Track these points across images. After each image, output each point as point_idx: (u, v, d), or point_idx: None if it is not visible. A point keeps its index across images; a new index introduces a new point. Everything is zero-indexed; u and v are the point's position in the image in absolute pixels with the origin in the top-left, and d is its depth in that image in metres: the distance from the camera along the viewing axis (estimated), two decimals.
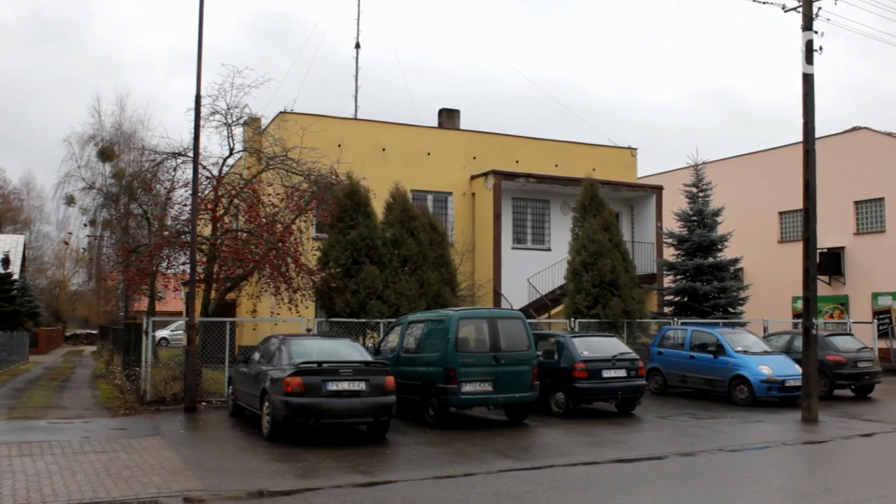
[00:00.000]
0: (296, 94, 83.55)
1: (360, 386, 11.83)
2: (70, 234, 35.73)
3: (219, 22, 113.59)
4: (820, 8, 15.68)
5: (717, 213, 25.01)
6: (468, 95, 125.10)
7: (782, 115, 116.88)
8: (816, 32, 15.58)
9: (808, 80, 15.51)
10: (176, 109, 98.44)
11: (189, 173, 17.27)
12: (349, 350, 13.18)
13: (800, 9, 15.78)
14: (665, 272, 26.04)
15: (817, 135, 15.94)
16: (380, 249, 18.96)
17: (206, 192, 18.15)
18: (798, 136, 16.37)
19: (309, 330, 17.15)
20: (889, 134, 31.61)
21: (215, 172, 18.66)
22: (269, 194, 18.64)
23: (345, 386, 11.73)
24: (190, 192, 16.60)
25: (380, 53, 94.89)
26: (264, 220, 17.88)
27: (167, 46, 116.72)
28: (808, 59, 15.50)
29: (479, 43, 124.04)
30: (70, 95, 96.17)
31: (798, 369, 16.81)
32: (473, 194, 26.80)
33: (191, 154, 17.04)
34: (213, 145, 70.96)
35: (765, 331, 22.79)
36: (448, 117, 29.28)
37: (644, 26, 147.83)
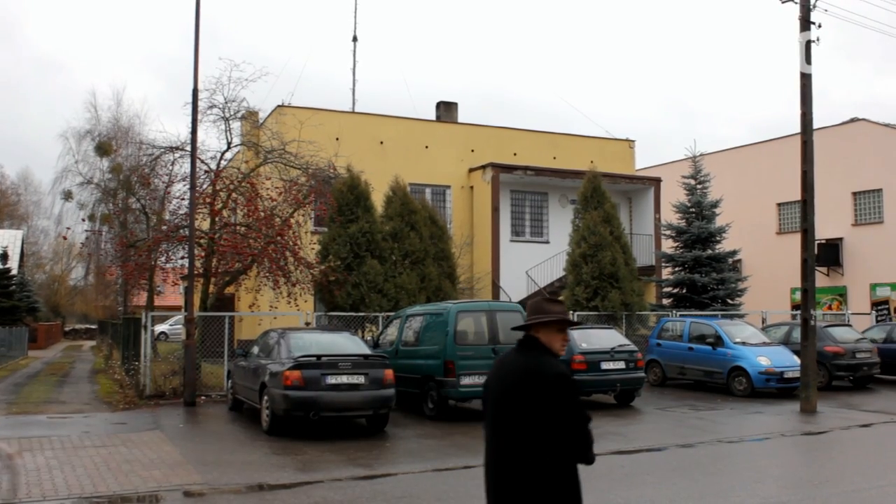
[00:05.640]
0: (293, 88, 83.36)
1: (360, 379, 11.84)
2: (68, 228, 35.54)
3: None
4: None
5: (715, 204, 24.99)
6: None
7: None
8: (814, 23, 15.58)
9: (805, 77, 15.62)
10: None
11: (187, 167, 17.24)
12: (348, 343, 13.16)
13: (797, 0, 15.76)
14: (664, 264, 26.04)
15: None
16: (380, 244, 18.97)
17: (205, 186, 18.11)
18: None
19: (308, 324, 17.15)
20: (887, 125, 31.59)
21: (213, 166, 18.65)
22: (268, 188, 18.61)
23: (344, 379, 11.74)
24: (188, 186, 16.58)
25: (377, 46, 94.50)
26: (262, 214, 17.86)
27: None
28: (807, 59, 15.57)
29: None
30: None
31: (796, 360, 16.84)
32: (472, 187, 26.78)
33: (188, 148, 17.01)
34: (211, 139, 70.71)
35: (763, 322, 22.81)
36: (446, 110, 29.23)
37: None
